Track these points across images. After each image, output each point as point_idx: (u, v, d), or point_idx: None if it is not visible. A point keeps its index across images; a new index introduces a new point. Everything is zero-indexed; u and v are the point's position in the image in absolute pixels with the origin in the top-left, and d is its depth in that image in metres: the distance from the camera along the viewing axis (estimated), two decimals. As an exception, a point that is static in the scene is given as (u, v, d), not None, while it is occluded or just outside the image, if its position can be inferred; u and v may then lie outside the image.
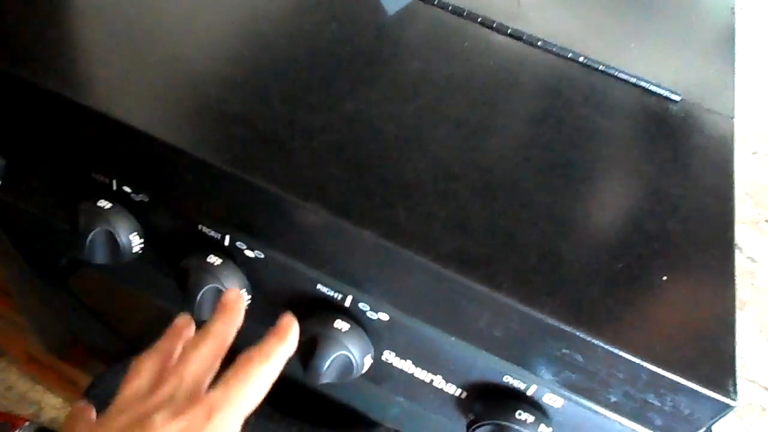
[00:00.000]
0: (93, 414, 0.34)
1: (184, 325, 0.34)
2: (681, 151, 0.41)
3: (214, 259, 0.35)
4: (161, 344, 0.33)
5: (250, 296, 0.37)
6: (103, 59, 0.36)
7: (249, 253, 0.35)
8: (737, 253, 0.35)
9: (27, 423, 0.93)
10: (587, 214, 0.35)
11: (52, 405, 1.05)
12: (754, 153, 0.61)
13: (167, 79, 0.36)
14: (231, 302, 0.33)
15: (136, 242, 0.37)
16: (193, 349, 0.31)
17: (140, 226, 0.37)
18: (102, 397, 0.30)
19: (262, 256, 0.35)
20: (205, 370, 0.30)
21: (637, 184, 0.38)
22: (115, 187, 0.36)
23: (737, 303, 0.32)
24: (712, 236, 0.35)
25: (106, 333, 0.54)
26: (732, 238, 0.35)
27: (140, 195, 0.36)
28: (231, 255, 0.36)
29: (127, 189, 0.36)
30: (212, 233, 0.36)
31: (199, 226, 0.36)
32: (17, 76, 0.34)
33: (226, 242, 0.35)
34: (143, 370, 0.31)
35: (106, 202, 0.36)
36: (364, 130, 0.35)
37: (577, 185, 0.36)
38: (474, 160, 0.36)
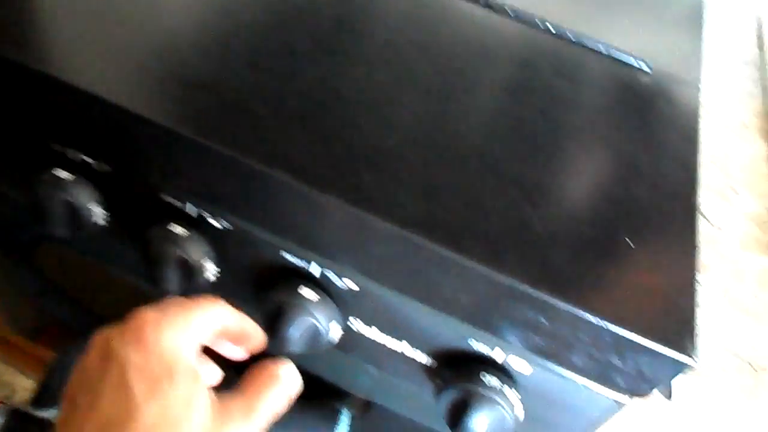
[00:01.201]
0: None
1: None
2: (650, 121, 0.41)
3: (178, 230, 0.35)
4: None
5: (218, 269, 0.36)
6: (62, 25, 0.35)
7: (214, 223, 0.35)
8: (702, 220, 0.36)
9: (0, 405, 0.92)
10: (555, 181, 0.35)
11: (24, 387, 1.03)
12: (721, 122, 0.61)
13: (128, 44, 0.35)
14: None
15: (97, 213, 0.36)
16: None
17: (102, 197, 0.37)
18: (66, 372, 0.29)
19: (228, 225, 0.34)
20: None
21: (606, 153, 0.38)
22: (75, 158, 0.36)
23: (702, 268, 0.32)
24: (677, 203, 0.36)
25: (75, 310, 0.53)
26: (696, 204, 0.36)
27: (101, 165, 0.35)
28: (196, 225, 0.35)
29: (88, 159, 0.35)
30: (176, 203, 0.35)
31: (163, 195, 0.35)
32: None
33: (193, 213, 0.35)
34: None
35: (66, 173, 0.35)
36: (330, 97, 0.35)
37: (546, 154, 0.36)
38: (442, 129, 0.35)
